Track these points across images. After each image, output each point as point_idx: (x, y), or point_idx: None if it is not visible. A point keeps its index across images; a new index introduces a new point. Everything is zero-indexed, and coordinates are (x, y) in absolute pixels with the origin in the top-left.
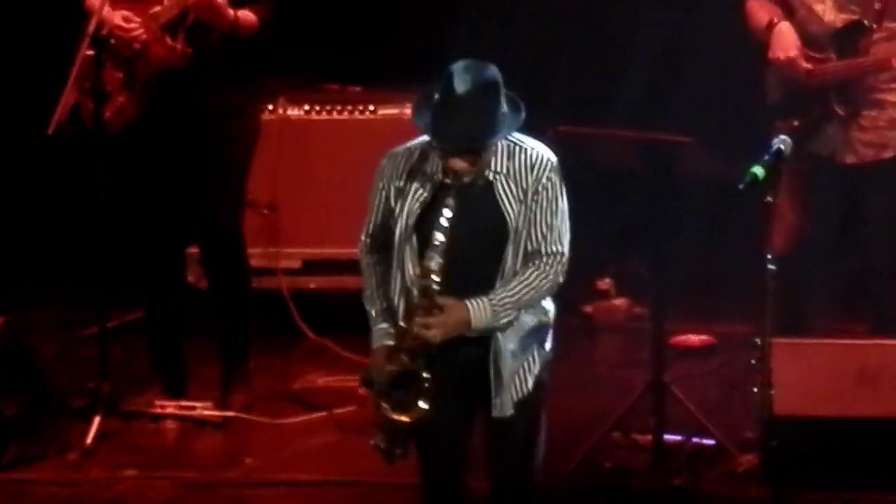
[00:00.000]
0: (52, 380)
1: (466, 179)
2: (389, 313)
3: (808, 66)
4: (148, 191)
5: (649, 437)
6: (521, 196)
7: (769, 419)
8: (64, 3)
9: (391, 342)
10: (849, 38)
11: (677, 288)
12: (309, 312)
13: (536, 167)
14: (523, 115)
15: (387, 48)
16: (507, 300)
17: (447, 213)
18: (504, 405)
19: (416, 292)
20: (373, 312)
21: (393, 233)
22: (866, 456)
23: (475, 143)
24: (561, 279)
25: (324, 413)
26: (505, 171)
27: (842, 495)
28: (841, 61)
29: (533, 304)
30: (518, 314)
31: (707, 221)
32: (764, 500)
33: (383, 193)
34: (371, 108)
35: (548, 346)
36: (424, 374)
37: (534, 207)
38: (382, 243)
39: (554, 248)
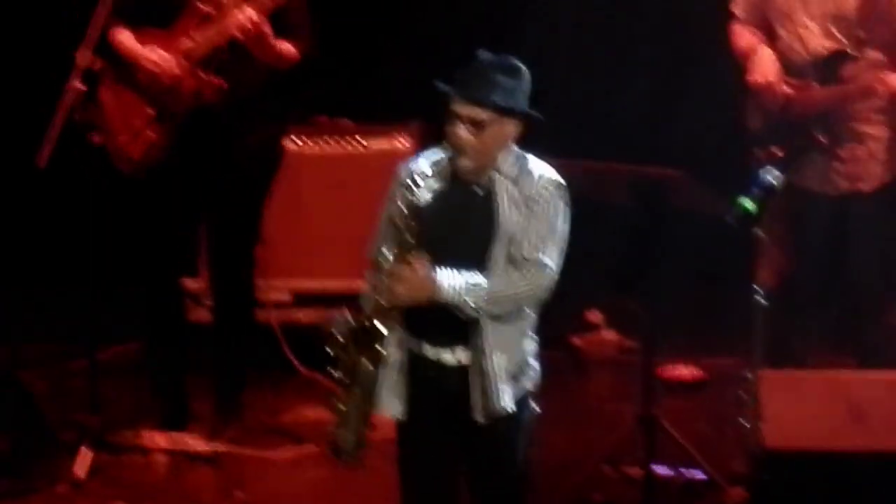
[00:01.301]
0: (42, 413)
1: (467, 164)
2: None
3: (789, 90)
4: (159, 223)
5: (639, 471)
6: (519, 201)
7: (759, 452)
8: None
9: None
10: (831, 67)
11: (667, 321)
12: (299, 346)
13: (540, 178)
14: (537, 117)
15: (378, 81)
16: (480, 284)
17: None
18: (490, 406)
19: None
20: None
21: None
22: (857, 490)
23: (481, 96)
24: (542, 294)
25: (314, 447)
26: (510, 175)
27: None
28: (824, 89)
29: (506, 307)
30: (488, 307)
31: (697, 254)
32: None
33: (395, 197)
34: (363, 142)
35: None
36: (381, 331)
37: (529, 216)
38: None
39: (542, 260)
